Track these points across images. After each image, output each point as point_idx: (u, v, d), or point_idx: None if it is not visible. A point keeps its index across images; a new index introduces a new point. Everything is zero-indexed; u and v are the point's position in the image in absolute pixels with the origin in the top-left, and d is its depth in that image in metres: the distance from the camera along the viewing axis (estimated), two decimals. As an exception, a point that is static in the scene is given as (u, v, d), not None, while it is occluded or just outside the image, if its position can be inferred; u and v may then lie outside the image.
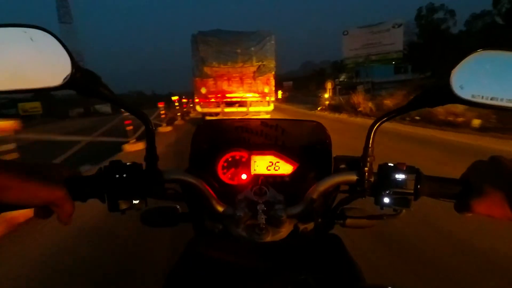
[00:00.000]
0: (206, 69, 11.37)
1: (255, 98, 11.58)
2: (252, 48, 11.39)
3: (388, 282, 0.77)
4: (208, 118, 10.40)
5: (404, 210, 0.65)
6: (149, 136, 0.66)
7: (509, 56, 0.56)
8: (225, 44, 11.39)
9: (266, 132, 0.97)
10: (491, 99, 0.56)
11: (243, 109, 11.59)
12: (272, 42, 11.61)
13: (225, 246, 0.74)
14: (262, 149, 0.91)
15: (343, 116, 16.06)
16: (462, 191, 0.61)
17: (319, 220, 0.77)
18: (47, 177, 0.55)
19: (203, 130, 0.96)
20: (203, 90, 11.55)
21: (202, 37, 11.43)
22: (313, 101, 25.37)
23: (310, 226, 0.74)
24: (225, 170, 0.90)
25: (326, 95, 21.70)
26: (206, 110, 11.86)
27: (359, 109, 16.15)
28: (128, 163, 0.63)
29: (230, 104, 11.71)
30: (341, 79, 49.20)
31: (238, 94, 11.59)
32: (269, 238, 0.68)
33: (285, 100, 38.56)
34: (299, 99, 39.92)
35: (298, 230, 0.73)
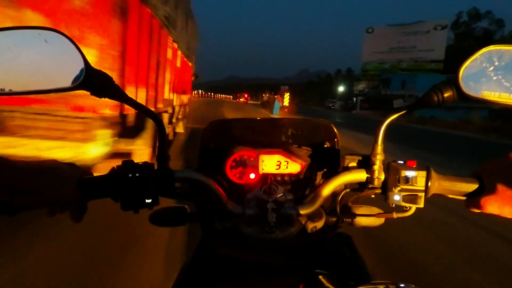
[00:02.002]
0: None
1: None
2: None
3: (397, 279, 0.78)
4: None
5: (414, 208, 0.65)
6: (160, 136, 0.66)
7: None
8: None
9: (274, 131, 0.97)
10: (500, 95, 0.57)
11: None
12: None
13: (236, 244, 0.74)
14: (270, 148, 0.91)
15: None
16: (474, 189, 0.61)
17: (329, 218, 0.77)
18: (59, 178, 0.55)
19: (211, 130, 0.96)
20: None
21: None
22: (326, 114, 22.60)
23: (320, 224, 0.75)
24: (233, 170, 0.91)
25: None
26: None
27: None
28: (140, 163, 0.64)
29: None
30: (360, 88, 38.08)
31: None
32: (279, 236, 0.69)
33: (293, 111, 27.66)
34: (304, 110, 33.86)
35: (308, 228, 0.74)
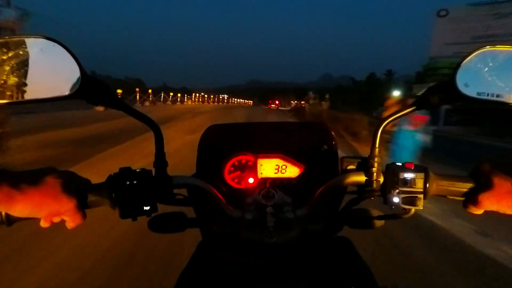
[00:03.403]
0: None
1: None
2: None
3: (399, 283, 0.77)
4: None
5: (414, 210, 0.64)
6: (158, 143, 0.66)
7: None
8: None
9: (271, 135, 0.97)
10: (497, 96, 0.56)
11: None
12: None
13: (235, 249, 0.74)
14: (268, 152, 0.91)
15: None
16: (471, 188, 0.61)
17: (328, 221, 0.76)
18: (56, 187, 0.55)
19: (209, 135, 0.96)
20: None
21: None
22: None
23: (319, 227, 0.74)
24: (232, 175, 0.91)
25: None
26: None
27: None
28: (137, 170, 0.64)
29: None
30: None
31: None
32: (278, 241, 0.68)
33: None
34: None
35: (307, 232, 0.73)
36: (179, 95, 39.43)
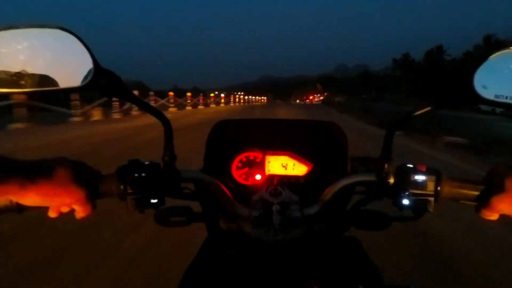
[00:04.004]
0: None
1: None
2: None
3: (409, 283, 0.76)
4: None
5: (424, 213, 0.63)
6: (167, 136, 0.66)
7: None
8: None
9: (280, 131, 0.97)
10: None
11: None
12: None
13: (240, 246, 0.74)
14: (277, 149, 0.91)
15: None
16: (484, 192, 0.60)
17: (336, 221, 0.76)
18: (67, 178, 0.55)
19: (218, 130, 0.96)
20: None
21: None
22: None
23: (326, 227, 0.74)
24: (239, 171, 0.91)
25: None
26: None
27: None
28: (146, 163, 0.64)
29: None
30: None
31: None
32: (284, 239, 0.68)
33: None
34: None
35: (314, 231, 0.73)
36: (201, 97, 30.82)
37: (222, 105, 34.46)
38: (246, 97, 55.93)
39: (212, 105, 33.40)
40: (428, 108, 0.63)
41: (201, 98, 29.99)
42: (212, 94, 36.50)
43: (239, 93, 56.61)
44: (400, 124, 0.65)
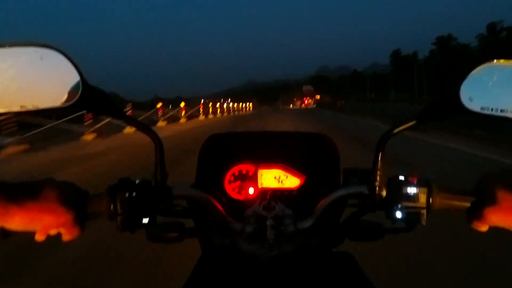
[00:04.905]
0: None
1: None
2: None
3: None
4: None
5: (417, 225, 0.63)
6: (158, 153, 0.65)
7: None
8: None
9: (273, 144, 0.97)
10: (501, 111, 0.56)
11: None
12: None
13: (235, 262, 0.73)
14: (269, 162, 0.91)
15: None
16: (475, 202, 0.60)
17: (329, 234, 0.76)
18: (54, 200, 0.54)
19: (210, 144, 0.95)
20: None
21: None
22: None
23: (320, 240, 0.73)
24: (232, 185, 0.90)
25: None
26: None
27: None
28: (137, 181, 0.63)
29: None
30: None
31: None
32: (279, 254, 0.67)
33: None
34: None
35: (308, 245, 0.72)
36: (201, 105, 26.48)
37: (201, 117, 26.27)
38: (235, 103, 43.24)
39: (201, 117, 26.32)
40: (413, 122, 0.63)
41: (183, 109, 23.23)
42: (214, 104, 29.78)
43: (228, 100, 46.09)
44: (390, 136, 0.65)
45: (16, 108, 0.54)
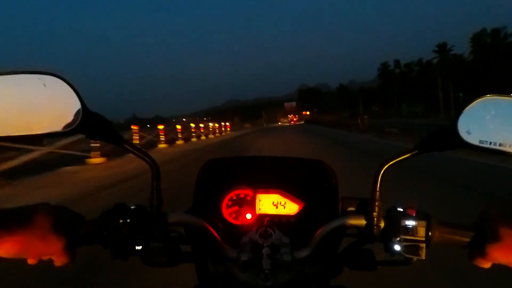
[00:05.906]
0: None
1: None
2: None
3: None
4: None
5: (415, 259, 0.61)
6: (155, 179, 0.65)
7: None
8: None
9: (271, 169, 0.96)
10: (500, 145, 0.56)
11: None
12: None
13: None
14: (267, 187, 0.90)
15: None
16: (476, 238, 0.59)
17: (327, 264, 0.75)
18: (45, 227, 0.53)
19: (208, 168, 0.95)
20: None
21: None
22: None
23: (318, 270, 0.72)
24: (229, 209, 0.89)
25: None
26: None
27: None
28: (132, 207, 0.62)
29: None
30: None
31: None
32: (275, 284, 0.65)
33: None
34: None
35: (305, 275, 0.71)
36: (192, 125, 23.06)
37: (180, 141, 20.66)
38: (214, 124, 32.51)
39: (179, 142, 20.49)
40: (415, 152, 0.63)
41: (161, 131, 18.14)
42: (192, 124, 24.03)
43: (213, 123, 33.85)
44: (388, 166, 0.64)
45: (17, 133, 0.55)
